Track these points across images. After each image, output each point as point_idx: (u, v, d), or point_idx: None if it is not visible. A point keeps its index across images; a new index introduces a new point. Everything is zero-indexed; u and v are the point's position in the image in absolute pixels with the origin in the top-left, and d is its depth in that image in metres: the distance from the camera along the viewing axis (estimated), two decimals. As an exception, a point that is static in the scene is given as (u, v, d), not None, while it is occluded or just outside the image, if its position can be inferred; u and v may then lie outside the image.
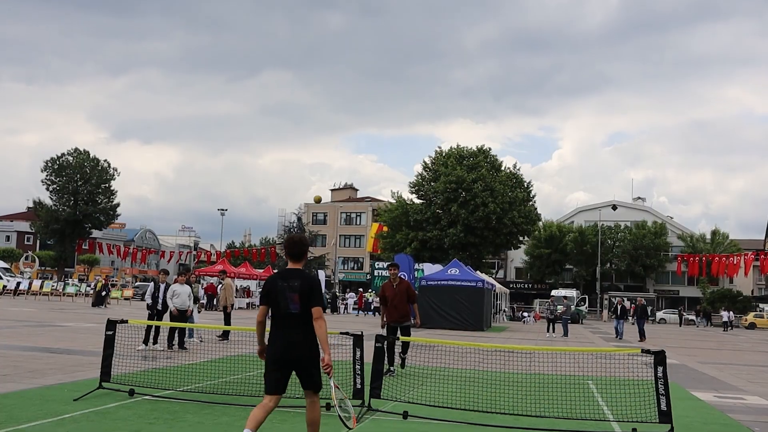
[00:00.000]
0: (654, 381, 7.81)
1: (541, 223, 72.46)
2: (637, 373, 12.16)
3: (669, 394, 7.74)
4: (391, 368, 12.04)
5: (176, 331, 15.68)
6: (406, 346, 12.39)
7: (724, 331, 51.46)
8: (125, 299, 49.90)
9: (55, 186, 71.65)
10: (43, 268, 74.97)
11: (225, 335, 18.84)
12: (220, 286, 21.86)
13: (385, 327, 12.73)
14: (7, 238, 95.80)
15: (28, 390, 9.15)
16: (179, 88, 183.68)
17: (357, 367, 8.53)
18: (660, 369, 7.75)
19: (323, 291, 16.35)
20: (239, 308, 47.72)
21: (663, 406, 7.70)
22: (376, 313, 50.96)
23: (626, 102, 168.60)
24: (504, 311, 49.78)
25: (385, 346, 12.12)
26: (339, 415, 5.68)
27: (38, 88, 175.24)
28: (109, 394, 8.86)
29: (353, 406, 8.32)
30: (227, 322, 19.63)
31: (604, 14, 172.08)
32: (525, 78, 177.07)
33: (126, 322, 10.06)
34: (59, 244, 73.75)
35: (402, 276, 13.64)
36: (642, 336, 29.44)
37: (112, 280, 62.89)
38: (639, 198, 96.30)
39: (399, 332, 12.44)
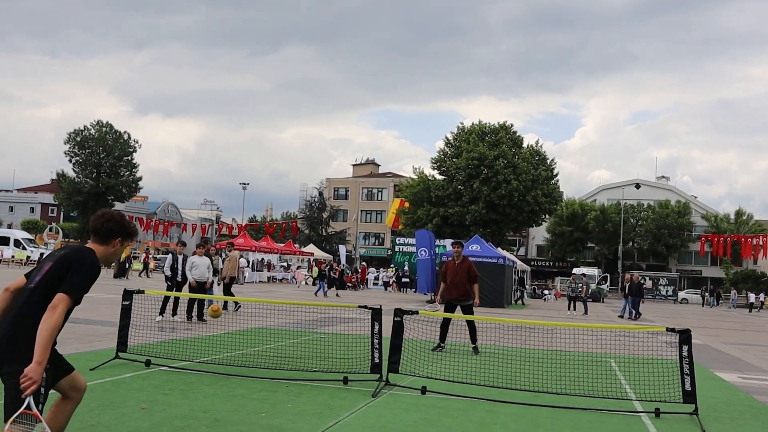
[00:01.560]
0: (678, 360, 7.61)
1: (563, 201, 71.84)
2: (660, 352, 11.97)
3: (694, 374, 7.55)
4: (442, 344, 12.09)
5: (195, 303, 15.69)
6: (473, 333, 12.23)
7: (749, 312, 50.97)
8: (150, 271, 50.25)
9: (78, 158, 72.24)
10: (66, 239, 75.49)
11: (236, 305, 18.90)
12: (226, 257, 21.76)
13: (443, 304, 12.78)
14: (32, 210, 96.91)
15: (45, 359, 9.12)
16: (201, 62, 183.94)
17: (375, 341, 8.40)
18: (685, 348, 7.54)
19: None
20: (259, 282, 47.99)
21: (687, 386, 7.51)
22: (388, 289, 50.98)
23: (651, 80, 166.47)
24: (525, 289, 49.55)
25: (440, 323, 12.26)
26: None
27: (62, 61, 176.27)
28: (126, 365, 8.83)
29: (370, 380, 8.23)
30: (227, 292, 19.54)
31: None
32: (548, 55, 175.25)
33: (142, 292, 10.03)
34: (82, 215, 74.40)
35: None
36: (636, 314, 29.25)
37: (134, 252, 63.13)
38: (662, 177, 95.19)
39: (460, 311, 12.38)
